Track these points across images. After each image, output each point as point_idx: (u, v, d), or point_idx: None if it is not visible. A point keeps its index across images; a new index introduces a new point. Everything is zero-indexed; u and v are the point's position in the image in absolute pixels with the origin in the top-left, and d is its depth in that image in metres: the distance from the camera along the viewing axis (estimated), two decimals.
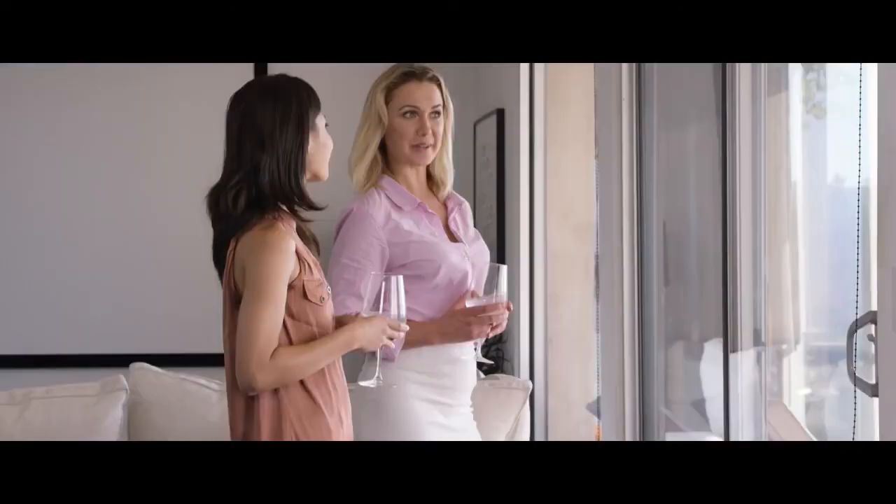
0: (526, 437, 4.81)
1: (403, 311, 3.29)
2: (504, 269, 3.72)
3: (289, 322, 3.15)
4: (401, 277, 3.31)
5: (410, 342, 3.58)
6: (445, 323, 3.65)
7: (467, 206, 3.91)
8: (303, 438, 3.13)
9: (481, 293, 3.72)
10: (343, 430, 3.22)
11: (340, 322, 3.27)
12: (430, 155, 3.76)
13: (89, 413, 4.35)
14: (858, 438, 3.34)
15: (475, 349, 3.77)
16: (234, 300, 3.17)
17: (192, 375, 4.59)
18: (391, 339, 3.27)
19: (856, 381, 3.11)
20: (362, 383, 3.40)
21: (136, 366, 4.57)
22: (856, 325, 3.11)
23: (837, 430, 4.37)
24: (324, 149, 3.25)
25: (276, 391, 3.14)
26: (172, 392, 4.48)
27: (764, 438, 4.33)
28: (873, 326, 2.99)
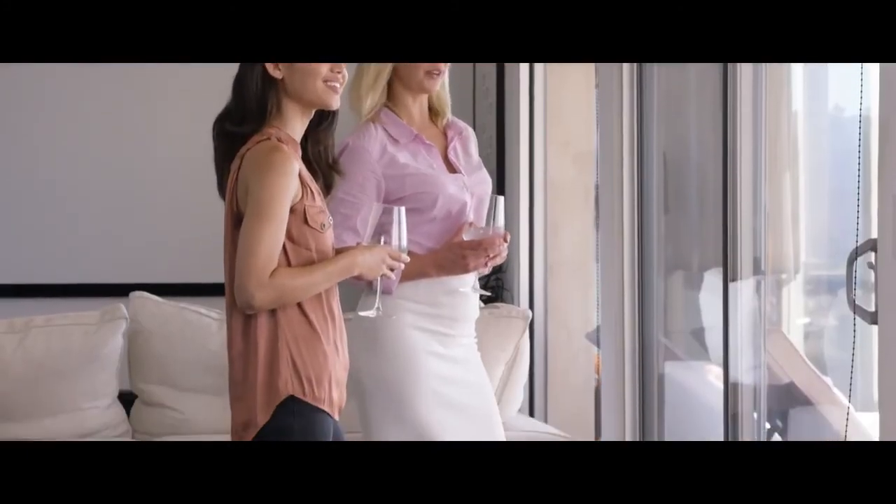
0: (526, 367, 4.82)
1: (405, 242, 3.29)
2: (501, 200, 3.71)
3: (289, 246, 3.15)
4: (402, 209, 3.31)
5: (407, 275, 3.57)
6: (441, 256, 3.65)
7: (469, 133, 3.88)
8: (298, 361, 3.14)
9: (483, 223, 3.71)
10: (339, 358, 3.22)
11: (341, 252, 3.27)
12: (440, 82, 3.74)
13: (89, 341, 4.36)
14: (857, 367, 3.35)
15: (474, 281, 3.76)
16: (236, 220, 3.17)
17: (192, 305, 4.60)
18: (391, 269, 3.27)
19: (855, 308, 3.11)
20: (361, 313, 3.40)
21: (136, 294, 4.57)
22: (856, 253, 3.11)
23: (836, 359, 4.38)
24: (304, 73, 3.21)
25: (273, 312, 3.14)
26: (172, 321, 4.49)
27: (763, 368, 4.34)
28: (873, 254, 2.99)
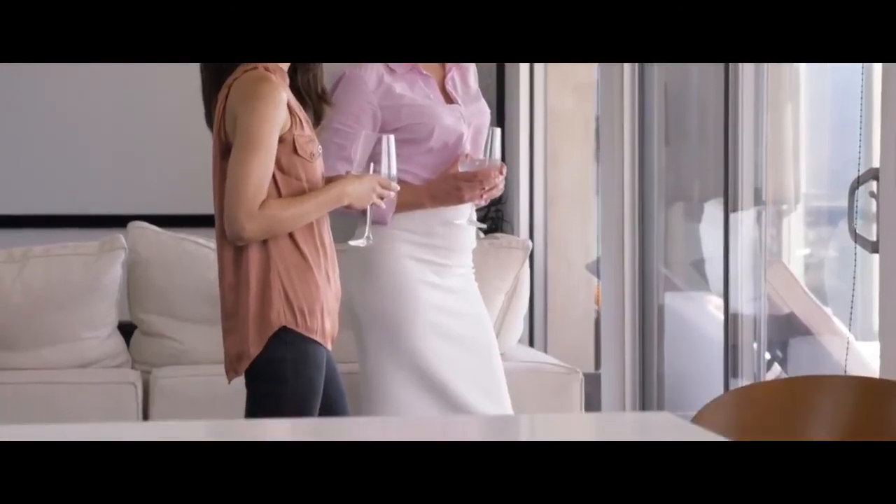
0: (526, 298, 4.81)
1: (394, 171, 3.28)
2: (498, 132, 3.68)
3: (278, 176, 3.13)
4: (392, 137, 3.30)
5: (402, 205, 3.56)
6: (436, 187, 3.63)
7: (469, 64, 3.85)
8: (290, 292, 3.13)
9: (481, 154, 3.69)
10: (331, 288, 3.21)
11: (331, 182, 3.25)
12: None
13: (88, 271, 4.35)
14: (857, 297, 3.34)
15: (471, 213, 3.74)
16: (224, 151, 3.15)
17: (191, 235, 4.58)
18: (381, 198, 3.25)
19: (856, 237, 3.10)
20: (352, 243, 3.39)
21: (135, 224, 4.55)
22: (857, 182, 3.09)
23: (836, 290, 4.38)
24: None
25: (264, 243, 3.13)
26: (171, 251, 4.48)
27: (763, 298, 4.33)
28: (875, 183, 2.97)
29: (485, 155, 3.66)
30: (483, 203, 3.77)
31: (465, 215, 3.69)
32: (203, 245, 4.52)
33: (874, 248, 2.96)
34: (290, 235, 3.14)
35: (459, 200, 3.63)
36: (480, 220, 3.93)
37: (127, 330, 4.54)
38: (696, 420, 2.22)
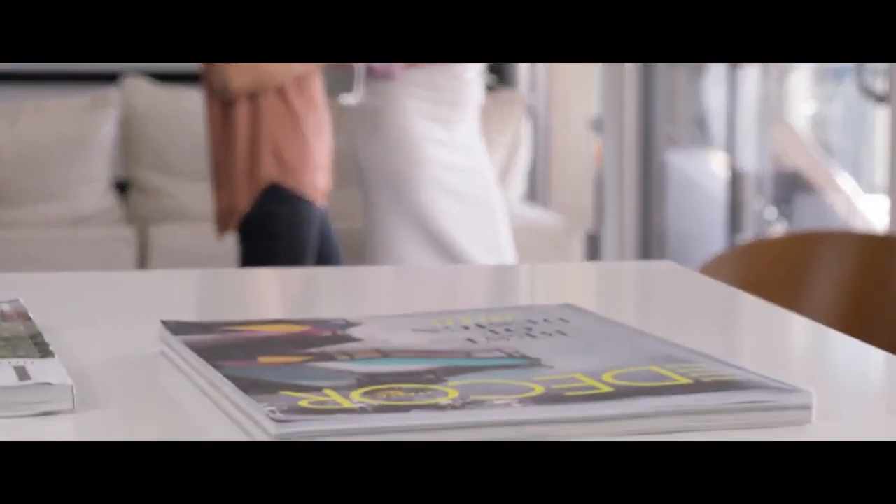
0: (526, 152, 4.77)
1: None
2: None
3: None
4: None
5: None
6: None
7: None
8: (280, 147, 3.08)
9: None
10: (322, 143, 3.16)
11: None
12: None
13: (80, 126, 4.30)
14: (862, 151, 3.29)
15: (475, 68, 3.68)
16: None
17: (186, 91, 4.52)
18: None
19: (863, 90, 3.04)
20: (344, 100, 3.33)
21: (130, 79, 4.50)
22: None
23: (841, 146, 4.33)
24: None
25: (253, 98, 3.07)
26: (167, 106, 4.42)
27: (767, 156, 4.29)
28: None
29: None
30: None
31: (472, 69, 3.64)
32: (198, 101, 4.46)
33: (881, 99, 2.91)
34: (280, 91, 3.09)
35: None
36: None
37: (123, 187, 4.49)
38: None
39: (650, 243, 4.77)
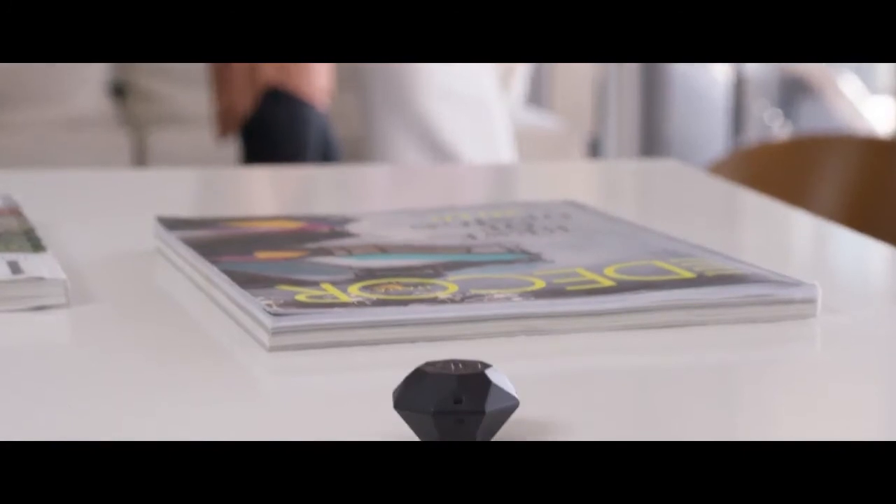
0: None
1: None
2: None
3: None
4: None
5: None
6: None
7: None
8: None
9: None
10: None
11: None
12: None
13: None
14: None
15: None
16: None
17: None
18: None
19: None
20: None
21: None
22: None
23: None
24: None
25: None
26: None
27: None
28: None
29: None
30: None
31: None
32: None
33: None
34: None
35: None
36: None
37: (120, 90, 4.46)
38: None
39: (652, 147, 4.74)
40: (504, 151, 3.61)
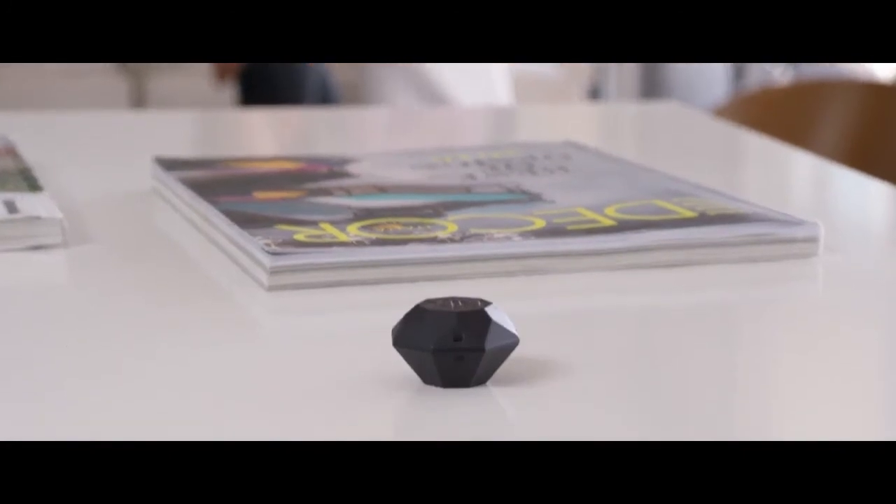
0: None
1: None
2: None
3: None
4: None
5: None
6: None
7: None
8: None
9: None
10: None
11: None
12: None
13: None
14: None
15: None
16: None
17: None
18: None
19: None
20: None
21: None
22: None
23: None
24: None
25: None
26: None
27: None
28: None
29: None
30: None
31: None
32: None
33: None
34: None
35: None
36: None
37: None
38: None
39: (651, 93, 4.72)
40: (502, 99, 3.60)
